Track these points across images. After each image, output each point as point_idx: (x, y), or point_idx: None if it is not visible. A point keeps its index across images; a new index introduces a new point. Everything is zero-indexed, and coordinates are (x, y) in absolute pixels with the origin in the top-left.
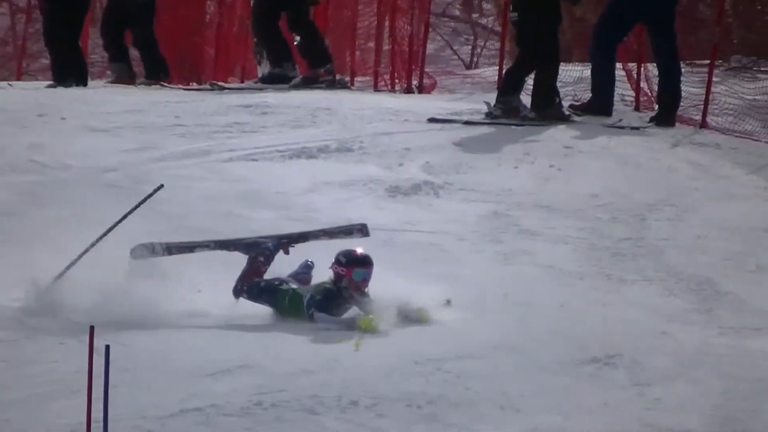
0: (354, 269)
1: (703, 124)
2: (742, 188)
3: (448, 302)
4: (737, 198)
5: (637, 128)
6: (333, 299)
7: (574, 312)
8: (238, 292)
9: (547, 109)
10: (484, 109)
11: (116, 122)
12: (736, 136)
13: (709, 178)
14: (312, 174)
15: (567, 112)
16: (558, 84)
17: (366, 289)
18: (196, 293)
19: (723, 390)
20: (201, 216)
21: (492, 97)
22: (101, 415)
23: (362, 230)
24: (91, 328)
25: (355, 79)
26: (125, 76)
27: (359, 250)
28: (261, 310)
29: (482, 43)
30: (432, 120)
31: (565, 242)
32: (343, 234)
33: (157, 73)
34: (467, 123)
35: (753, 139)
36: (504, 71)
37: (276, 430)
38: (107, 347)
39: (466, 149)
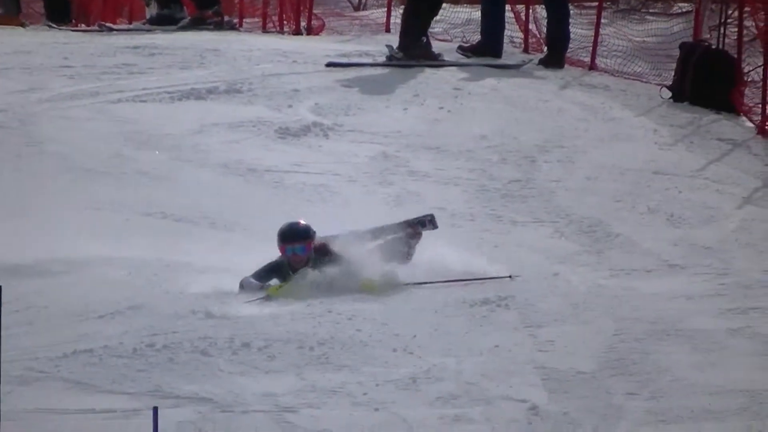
0: (284, 246)
1: (592, 66)
2: (631, 130)
3: (511, 278)
4: (626, 140)
5: (516, 66)
6: (274, 271)
7: (466, 253)
8: None
9: (415, 49)
10: (373, 51)
11: (4, 63)
12: (625, 78)
13: (599, 119)
14: (201, 115)
15: (437, 52)
16: (447, 25)
17: (302, 263)
18: (86, 237)
19: (615, 331)
20: (90, 157)
21: (381, 39)
22: None
23: (432, 221)
24: None
25: (244, 20)
26: (12, 13)
27: (295, 225)
28: (144, 253)
29: None
30: (330, 65)
31: (455, 184)
32: (420, 225)
33: (62, 17)
34: (367, 65)
35: (642, 81)
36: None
37: (169, 372)
38: None
39: (355, 91)
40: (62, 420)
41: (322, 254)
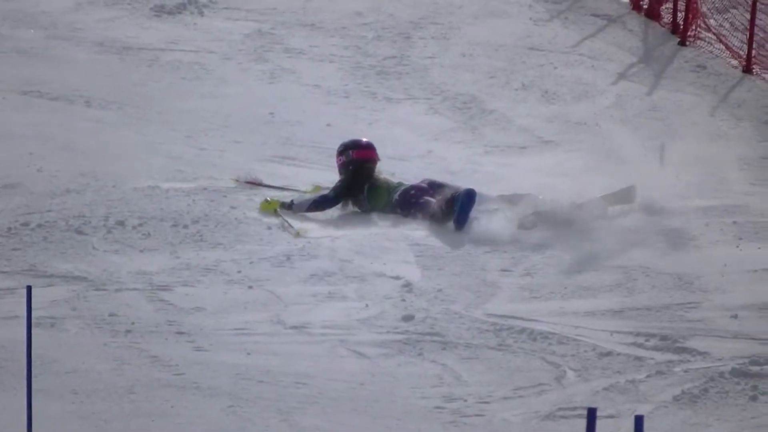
0: None
1: None
2: (505, 6)
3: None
4: (501, 15)
5: None
6: None
7: (341, 131)
8: None
9: None
10: None
11: None
12: None
13: None
14: None
15: None
16: None
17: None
18: None
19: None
20: None
21: None
22: None
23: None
24: None
25: None
26: None
27: None
28: (20, 132)
29: None
30: None
31: (330, 61)
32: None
33: None
34: None
35: None
36: None
37: (43, 250)
38: None
39: None
40: None
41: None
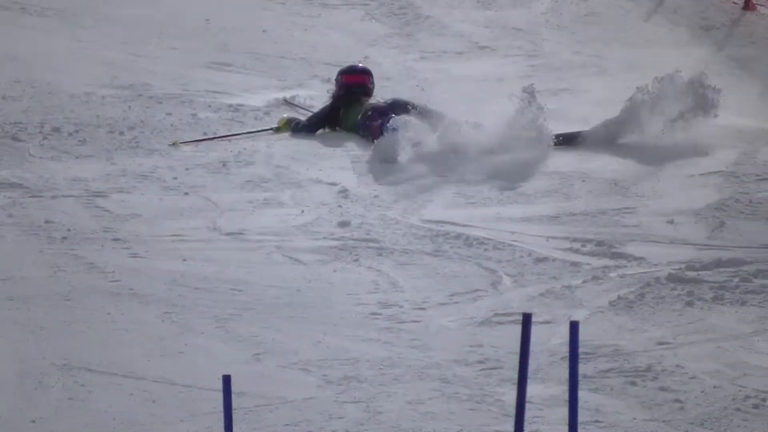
0: None
1: None
2: None
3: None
4: None
5: None
6: None
7: (276, 37)
8: None
9: None
10: None
11: None
12: None
13: None
14: None
15: None
16: None
17: None
18: None
19: None
20: None
21: None
22: None
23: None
24: None
25: None
26: None
27: None
28: None
29: None
30: None
31: None
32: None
33: None
34: None
35: None
36: None
37: None
38: None
39: None
40: None
41: None
